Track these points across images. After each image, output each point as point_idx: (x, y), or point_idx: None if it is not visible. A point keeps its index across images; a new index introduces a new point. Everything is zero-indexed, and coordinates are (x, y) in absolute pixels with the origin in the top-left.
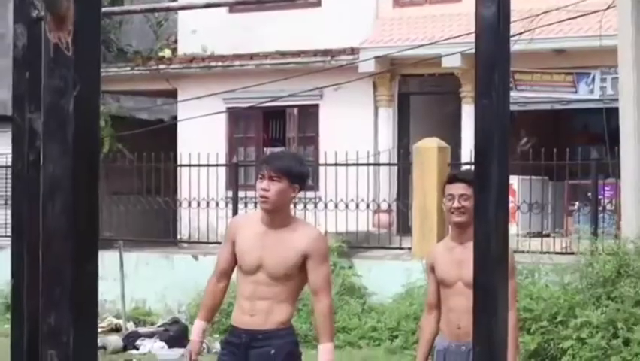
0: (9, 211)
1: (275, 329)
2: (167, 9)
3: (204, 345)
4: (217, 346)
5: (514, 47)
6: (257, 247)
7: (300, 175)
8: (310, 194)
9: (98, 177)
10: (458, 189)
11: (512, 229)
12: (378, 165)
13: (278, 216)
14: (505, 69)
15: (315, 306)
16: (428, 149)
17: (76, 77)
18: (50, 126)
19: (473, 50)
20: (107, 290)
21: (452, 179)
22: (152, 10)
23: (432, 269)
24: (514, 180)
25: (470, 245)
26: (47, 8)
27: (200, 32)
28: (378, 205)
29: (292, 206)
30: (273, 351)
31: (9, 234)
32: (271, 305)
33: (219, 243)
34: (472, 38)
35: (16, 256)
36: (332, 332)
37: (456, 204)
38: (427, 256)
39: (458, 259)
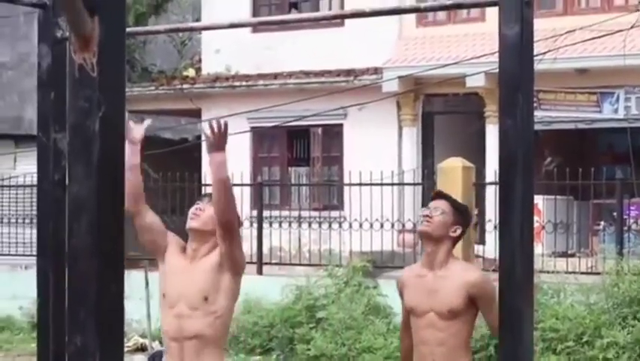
0: (35, 230)
1: None
2: (191, 29)
3: None
4: None
5: (538, 66)
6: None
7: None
8: (335, 213)
9: (123, 197)
10: (436, 203)
11: (537, 249)
12: (403, 184)
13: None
14: (529, 89)
15: None
16: (453, 168)
17: (101, 98)
18: (76, 147)
19: (497, 70)
20: (133, 310)
21: (435, 195)
22: (176, 30)
23: (401, 295)
24: (539, 200)
25: (442, 273)
26: (72, 29)
27: (223, 52)
28: (403, 225)
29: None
30: None
31: (35, 253)
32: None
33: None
34: (496, 58)
35: (41, 275)
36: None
37: (426, 212)
38: (397, 280)
39: (429, 288)
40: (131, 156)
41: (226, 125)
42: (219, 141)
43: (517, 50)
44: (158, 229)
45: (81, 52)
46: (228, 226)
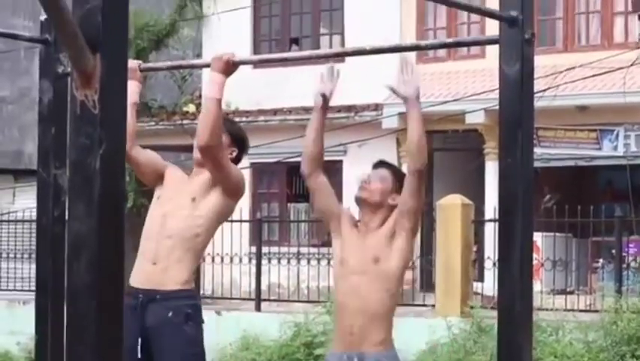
0: (33, 265)
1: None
2: (192, 66)
3: None
4: None
5: (538, 103)
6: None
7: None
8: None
9: (123, 235)
10: (377, 171)
11: (536, 286)
12: None
13: None
14: (529, 127)
15: None
16: (452, 206)
17: (103, 135)
18: (76, 184)
19: (497, 107)
20: None
21: (377, 164)
22: (178, 67)
23: (337, 218)
24: (537, 237)
25: (376, 234)
26: (74, 66)
27: (224, 88)
28: None
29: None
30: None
31: (33, 288)
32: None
33: (243, 299)
34: (495, 94)
35: (40, 312)
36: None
37: (365, 178)
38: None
39: (361, 243)
40: (131, 94)
41: (233, 57)
42: (224, 65)
43: (517, 87)
44: (158, 160)
45: (83, 88)
46: (208, 152)
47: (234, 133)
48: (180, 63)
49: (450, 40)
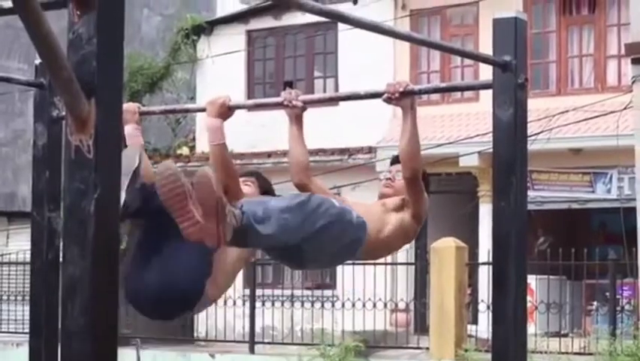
0: (27, 307)
1: None
2: (187, 111)
3: None
4: None
5: (531, 146)
6: None
7: None
8: (328, 292)
9: (117, 278)
10: (398, 167)
11: (530, 329)
12: (396, 264)
13: None
14: (522, 171)
15: None
16: (445, 248)
17: (97, 180)
18: (71, 228)
19: (491, 150)
20: None
21: (395, 159)
22: (172, 112)
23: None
24: (531, 280)
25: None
26: (69, 111)
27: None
28: (396, 304)
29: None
30: None
31: (27, 330)
32: None
33: (237, 341)
34: (489, 138)
35: (34, 355)
36: None
37: (388, 175)
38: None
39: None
40: (136, 136)
41: (228, 100)
42: (219, 109)
43: (511, 132)
44: None
45: (77, 133)
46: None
47: (265, 188)
48: (175, 107)
49: (444, 84)
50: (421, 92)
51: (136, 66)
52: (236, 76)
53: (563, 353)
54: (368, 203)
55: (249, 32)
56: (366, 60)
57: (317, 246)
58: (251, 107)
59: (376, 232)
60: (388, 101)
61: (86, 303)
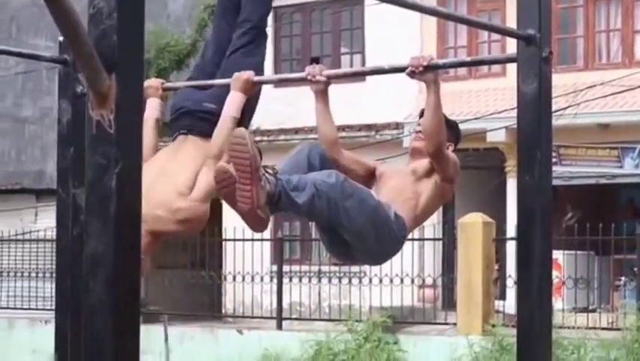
0: (54, 285)
1: None
2: (211, 86)
3: None
4: None
5: (559, 121)
6: None
7: None
8: (355, 268)
9: (140, 253)
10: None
11: (558, 305)
12: (423, 240)
13: None
14: (547, 145)
15: None
16: (473, 224)
17: (119, 154)
18: (92, 203)
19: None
20: None
21: (422, 113)
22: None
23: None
24: (559, 255)
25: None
26: (90, 86)
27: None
28: (423, 280)
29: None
30: None
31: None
32: None
33: (264, 317)
34: (516, 113)
35: (59, 330)
36: None
37: (418, 128)
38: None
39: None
40: (153, 109)
41: (252, 76)
42: (244, 84)
43: (535, 105)
44: None
45: (99, 108)
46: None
47: None
48: (199, 82)
49: (468, 58)
50: (445, 67)
51: (163, 43)
52: None
53: (590, 328)
54: (398, 172)
55: (275, 9)
56: (393, 35)
57: (355, 234)
58: (275, 83)
59: (414, 207)
60: (412, 75)
61: (108, 278)
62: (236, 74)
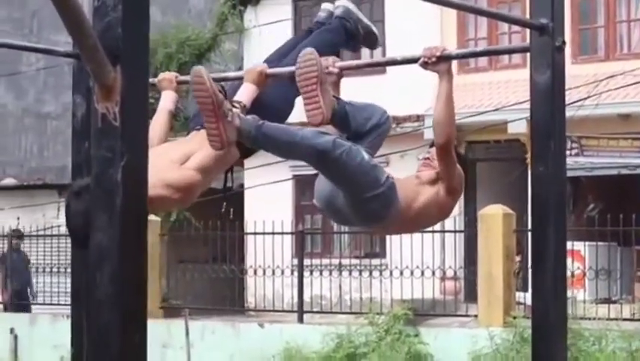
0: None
1: None
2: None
3: None
4: None
5: (580, 112)
6: None
7: None
8: (376, 261)
9: (146, 246)
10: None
11: (580, 295)
12: (445, 231)
13: None
14: (561, 135)
15: None
16: (493, 216)
17: (124, 147)
18: (98, 196)
19: None
20: (173, 358)
21: (433, 144)
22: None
23: None
24: (581, 246)
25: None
26: (95, 79)
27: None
28: (444, 272)
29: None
30: None
31: None
32: None
33: (287, 311)
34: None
35: (75, 325)
36: None
37: (427, 155)
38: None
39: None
40: (167, 102)
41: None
42: (257, 76)
43: (548, 95)
44: None
45: (104, 101)
46: None
47: None
48: (212, 75)
49: (481, 49)
50: (457, 57)
51: (183, 37)
52: None
53: (612, 319)
54: (403, 178)
55: (295, 2)
56: (414, 28)
57: (341, 182)
58: (287, 76)
59: (409, 201)
60: (424, 65)
61: (114, 272)
62: (250, 67)
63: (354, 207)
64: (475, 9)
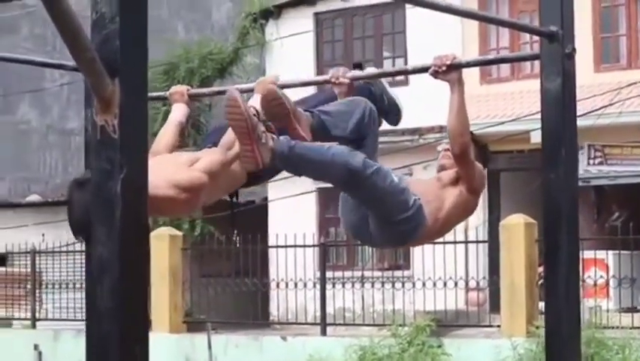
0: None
1: None
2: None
3: None
4: None
5: (602, 120)
6: None
7: None
8: (399, 273)
9: (147, 258)
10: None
11: (604, 304)
12: (468, 242)
13: None
14: (572, 142)
15: None
16: (515, 225)
17: (123, 160)
18: (98, 208)
19: None
20: None
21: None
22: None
23: None
24: (604, 255)
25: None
26: (93, 91)
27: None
28: (467, 283)
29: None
30: None
31: None
32: None
33: (311, 323)
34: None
35: (90, 339)
36: None
37: (447, 146)
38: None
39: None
40: (178, 114)
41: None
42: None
43: (559, 103)
44: None
45: (102, 114)
46: None
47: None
48: (224, 88)
49: (491, 57)
50: (468, 66)
51: (205, 52)
52: (305, 58)
53: (635, 328)
54: (424, 180)
55: (316, 14)
56: (435, 39)
57: (370, 204)
58: (299, 87)
59: (436, 210)
60: (435, 74)
61: (114, 284)
62: (261, 78)
63: (382, 229)
64: (482, 17)
